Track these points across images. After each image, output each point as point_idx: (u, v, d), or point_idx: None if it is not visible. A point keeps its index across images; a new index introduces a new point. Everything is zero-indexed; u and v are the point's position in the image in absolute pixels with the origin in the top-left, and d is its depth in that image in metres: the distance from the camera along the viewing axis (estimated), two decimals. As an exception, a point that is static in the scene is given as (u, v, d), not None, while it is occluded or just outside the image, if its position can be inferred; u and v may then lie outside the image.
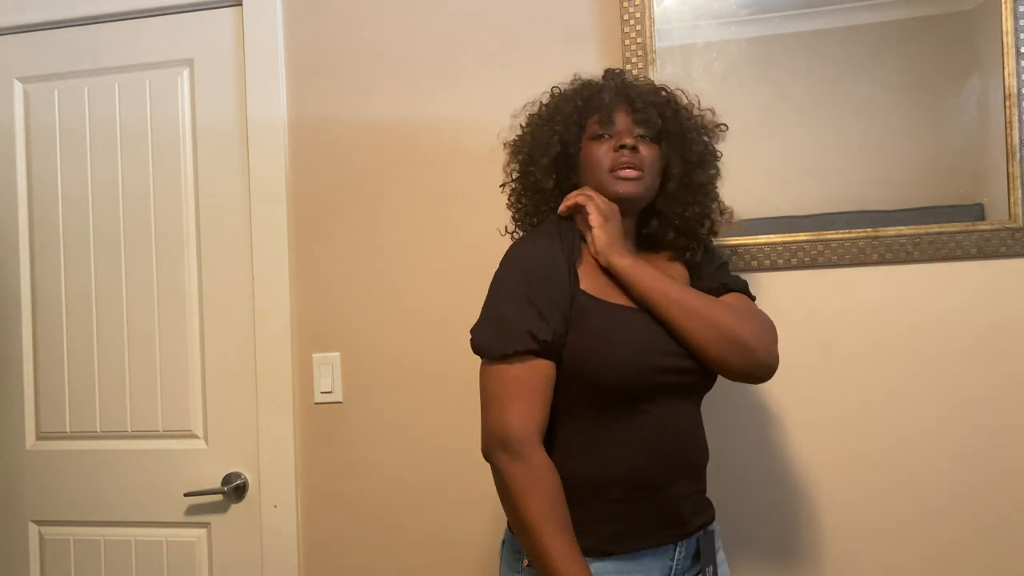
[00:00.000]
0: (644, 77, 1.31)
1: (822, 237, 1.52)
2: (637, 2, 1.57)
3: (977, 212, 1.48)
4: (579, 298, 1.14)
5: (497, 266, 1.19)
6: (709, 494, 1.27)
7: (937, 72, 1.50)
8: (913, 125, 1.50)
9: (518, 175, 1.32)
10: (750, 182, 1.55)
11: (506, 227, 1.37)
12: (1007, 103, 1.45)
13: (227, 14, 1.83)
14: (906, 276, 1.51)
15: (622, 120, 1.22)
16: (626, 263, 1.16)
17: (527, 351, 1.09)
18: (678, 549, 1.19)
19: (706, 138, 1.29)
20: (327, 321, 1.75)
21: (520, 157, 1.31)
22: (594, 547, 1.12)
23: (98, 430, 1.88)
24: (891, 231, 1.50)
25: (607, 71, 1.32)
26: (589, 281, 1.16)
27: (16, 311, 1.92)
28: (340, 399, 1.74)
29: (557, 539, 1.06)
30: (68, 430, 1.90)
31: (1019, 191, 1.45)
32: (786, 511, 1.55)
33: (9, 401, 1.93)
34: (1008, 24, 1.45)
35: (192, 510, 1.83)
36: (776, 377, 1.53)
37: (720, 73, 1.57)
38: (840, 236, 1.51)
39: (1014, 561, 1.48)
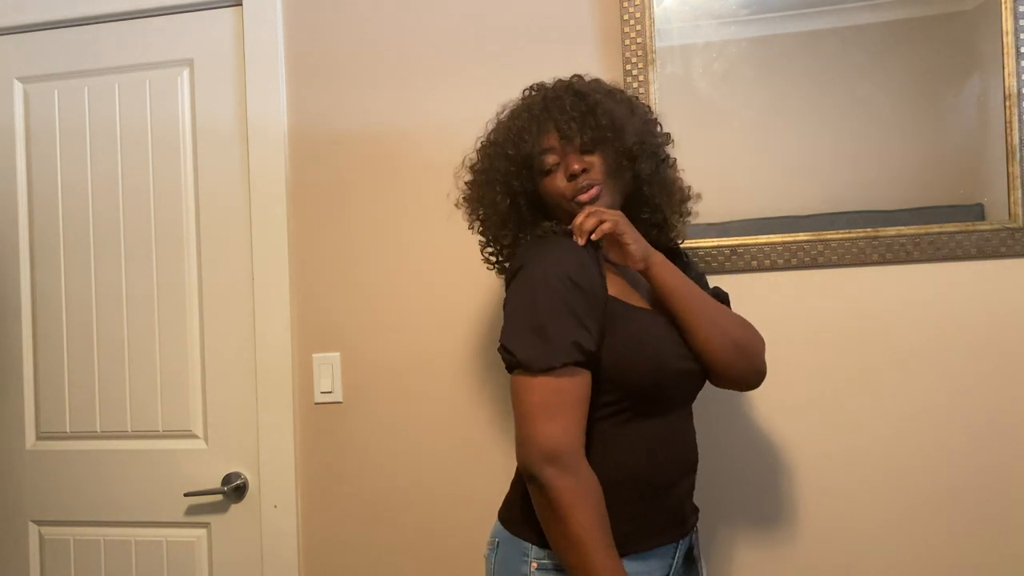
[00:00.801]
0: (564, 80, 1.26)
1: (822, 237, 1.52)
2: (637, 2, 1.56)
3: (977, 212, 1.48)
4: (610, 303, 1.12)
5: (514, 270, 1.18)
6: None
7: (937, 72, 1.50)
8: (913, 125, 1.50)
9: (481, 230, 1.32)
10: (750, 182, 1.56)
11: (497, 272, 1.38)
12: (1007, 103, 1.45)
13: (227, 14, 1.83)
14: (906, 276, 1.51)
15: (558, 146, 1.20)
16: (659, 261, 1.19)
17: (574, 363, 1.07)
18: (678, 547, 1.21)
19: (641, 125, 1.25)
20: (327, 321, 1.75)
21: (478, 214, 1.30)
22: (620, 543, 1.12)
23: (98, 430, 1.88)
24: (891, 231, 1.50)
25: (524, 92, 1.29)
26: (613, 286, 1.17)
27: (16, 311, 1.92)
28: (340, 399, 1.74)
29: (608, 556, 1.04)
30: (68, 430, 1.90)
31: (1019, 191, 1.45)
32: (780, 511, 1.55)
33: (9, 401, 1.93)
34: (1008, 24, 1.45)
35: (192, 510, 1.83)
36: (776, 377, 1.53)
37: (720, 73, 1.57)
38: (840, 236, 1.51)
39: (1013, 558, 1.48)
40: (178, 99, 1.86)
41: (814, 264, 1.53)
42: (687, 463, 1.23)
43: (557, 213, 1.24)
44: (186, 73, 1.85)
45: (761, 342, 1.26)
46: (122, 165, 1.88)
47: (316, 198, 1.76)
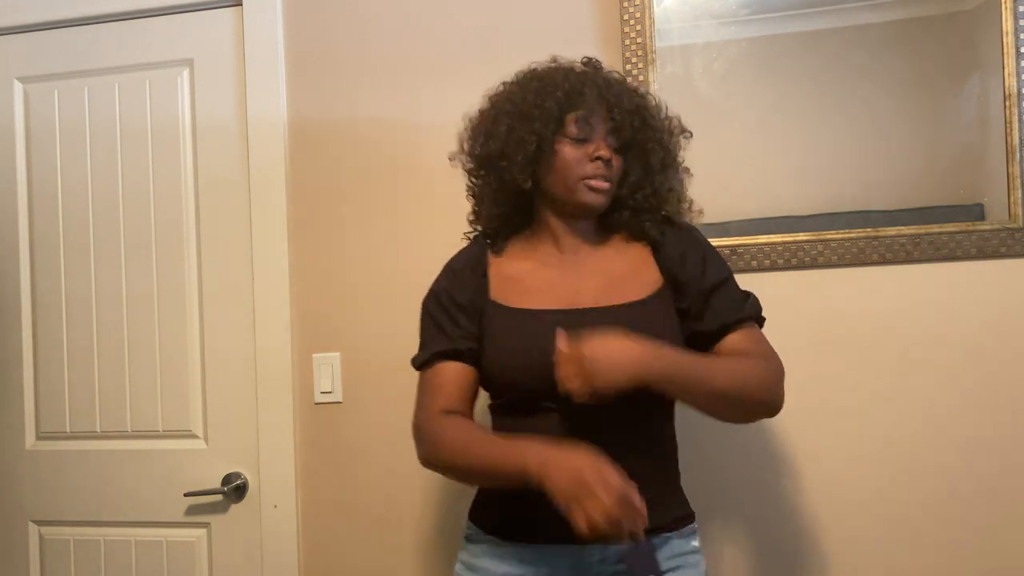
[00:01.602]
0: (618, 74, 1.26)
1: (822, 237, 1.52)
2: (637, 2, 1.56)
3: (977, 212, 1.48)
4: (487, 307, 1.22)
5: None
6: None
7: (937, 72, 1.50)
8: (913, 125, 1.50)
9: (488, 173, 1.24)
10: (750, 182, 1.56)
11: (466, 232, 1.35)
12: (1007, 103, 1.45)
13: (227, 14, 1.83)
14: (906, 276, 1.51)
15: (600, 126, 1.19)
16: (632, 377, 1.05)
17: (436, 357, 1.22)
18: (592, 552, 1.15)
19: (671, 146, 1.26)
20: (327, 321, 1.75)
21: (489, 148, 1.21)
22: (499, 527, 1.21)
23: (98, 430, 1.88)
24: (891, 231, 1.50)
25: (586, 61, 1.26)
26: (502, 289, 1.23)
27: (16, 311, 1.92)
28: (340, 399, 1.74)
29: (494, 448, 1.11)
30: (68, 430, 1.90)
31: (1019, 191, 1.45)
32: (783, 513, 1.55)
33: (9, 401, 1.92)
34: (1008, 24, 1.44)
35: (192, 510, 1.83)
36: (776, 377, 1.53)
37: (720, 73, 1.57)
38: (840, 236, 1.51)
39: (1014, 562, 1.48)
40: (178, 99, 1.86)
41: (814, 264, 1.53)
42: None
43: (551, 180, 1.20)
44: (186, 73, 1.85)
45: (772, 379, 1.17)
46: (122, 165, 1.88)
47: (316, 198, 1.76)
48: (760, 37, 1.56)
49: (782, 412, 1.54)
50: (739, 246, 1.55)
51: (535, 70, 1.25)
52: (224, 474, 1.81)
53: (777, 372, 1.19)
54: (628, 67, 1.57)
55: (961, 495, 1.49)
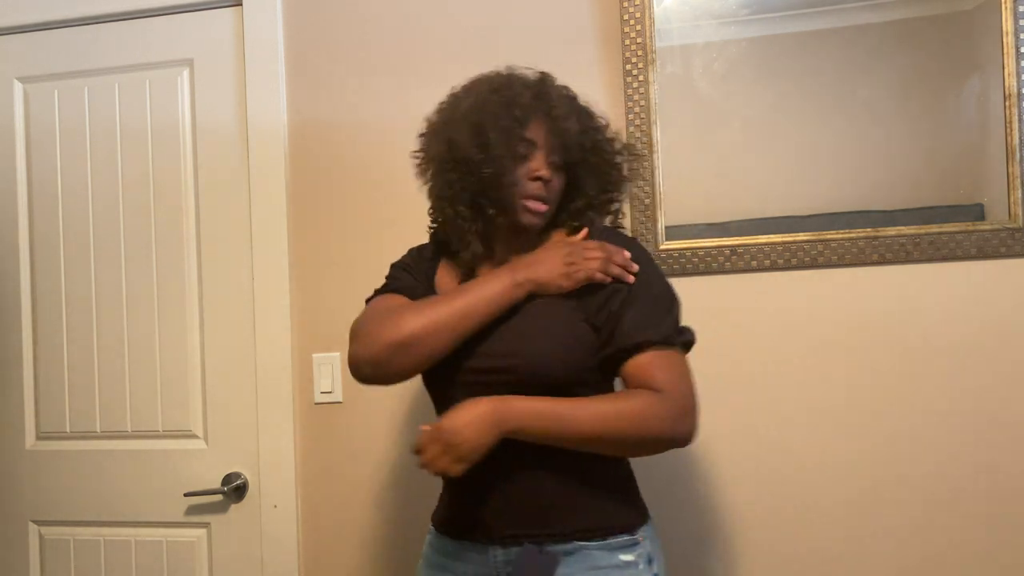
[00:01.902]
0: (569, 89, 1.23)
1: (822, 237, 1.52)
2: (637, 2, 1.56)
3: (977, 212, 1.48)
4: (429, 293, 1.26)
5: None
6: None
7: (937, 72, 1.50)
8: (913, 125, 1.50)
9: (471, 173, 1.17)
10: (750, 182, 1.56)
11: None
12: (1007, 103, 1.45)
13: (227, 14, 1.83)
14: (906, 276, 1.51)
15: (544, 144, 1.17)
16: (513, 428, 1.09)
17: (387, 291, 1.27)
18: (493, 554, 1.16)
19: (618, 166, 1.25)
20: (327, 321, 1.75)
21: (473, 153, 1.16)
22: (436, 520, 1.28)
23: (98, 430, 1.88)
24: (891, 231, 1.50)
25: (543, 76, 1.22)
26: (447, 283, 1.26)
27: (16, 311, 1.92)
28: (340, 399, 1.74)
29: (469, 289, 1.14)
30: (68, 430, 1.90)
31: (1019, 191, 1.45)
32: (780, 514, 1.55)
33: (9, 401, 1.93)
34: (1008, 24, 1.45)
35: (192, 510, 1.83)
36: (775, 378, 1.54)
37: (720, 73, 1.57)
38: (840, 236, 1.51)
39: (1015, 563, 1.48)
40: (178, 99, 1.86)
41: (814, 264, 1.53)
42: (493, 463, 1.08)
43: (494, 191, 1.17)
44: (186, 73, 1.85)
45: (675, 411, 1.09)
46: (122, 165, 1.88)
47: (316, 198, 1.76)
48: (760, 37, 1.56)
49: (782, 413, 1.55)
50: (739, 246, 1.55)
51: (501, 75, 1.22)
52: (224, 474, 1.81)
53: (674, 406, 1.09)
54: (628, 67, 1.57)
55: (961, 495, 1.49)
